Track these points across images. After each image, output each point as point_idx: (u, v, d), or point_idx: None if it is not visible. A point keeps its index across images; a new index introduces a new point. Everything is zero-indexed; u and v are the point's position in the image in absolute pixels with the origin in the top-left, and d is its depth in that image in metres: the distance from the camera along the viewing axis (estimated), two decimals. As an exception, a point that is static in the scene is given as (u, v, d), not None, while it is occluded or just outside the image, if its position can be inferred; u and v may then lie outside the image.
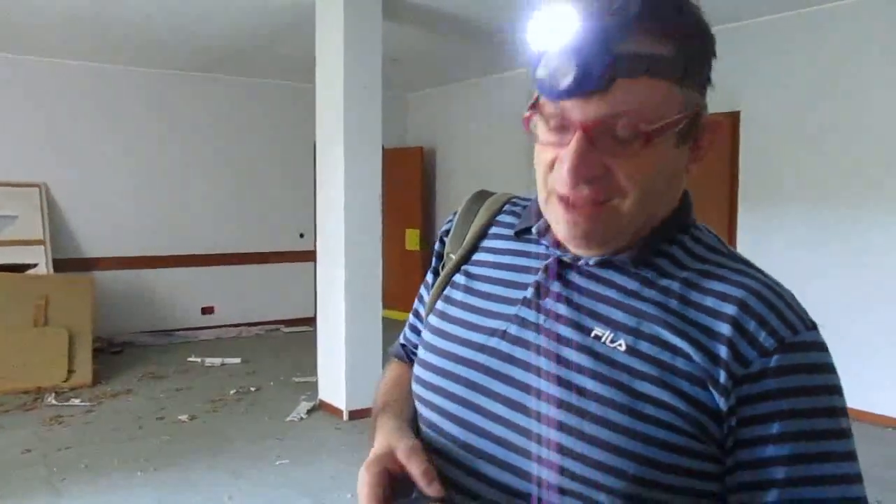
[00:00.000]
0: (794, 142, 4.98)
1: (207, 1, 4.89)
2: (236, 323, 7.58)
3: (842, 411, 0.72)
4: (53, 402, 5.03)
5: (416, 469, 0.74)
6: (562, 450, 0.73)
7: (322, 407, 4.96)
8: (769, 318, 0.72)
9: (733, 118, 5.24)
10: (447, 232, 0.98)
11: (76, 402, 5.04)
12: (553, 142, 0.75)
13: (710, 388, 0.71)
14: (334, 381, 4.86)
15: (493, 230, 0.93)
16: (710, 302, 0.74)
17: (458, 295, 0.90)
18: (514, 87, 6.86)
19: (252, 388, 5.43)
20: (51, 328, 5.51)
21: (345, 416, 4.71)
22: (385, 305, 5.01)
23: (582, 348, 0.76)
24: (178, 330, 7.24)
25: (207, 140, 7.36)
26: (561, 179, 0.74)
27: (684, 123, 0.73)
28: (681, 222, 0.81)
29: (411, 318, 1.04)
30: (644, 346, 0.74)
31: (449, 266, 0.94)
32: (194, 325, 7.33)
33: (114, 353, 6.44)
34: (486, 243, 0.92)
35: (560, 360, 0.76)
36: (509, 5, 4.55)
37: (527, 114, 0.77)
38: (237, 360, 6.23)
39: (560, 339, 0.77)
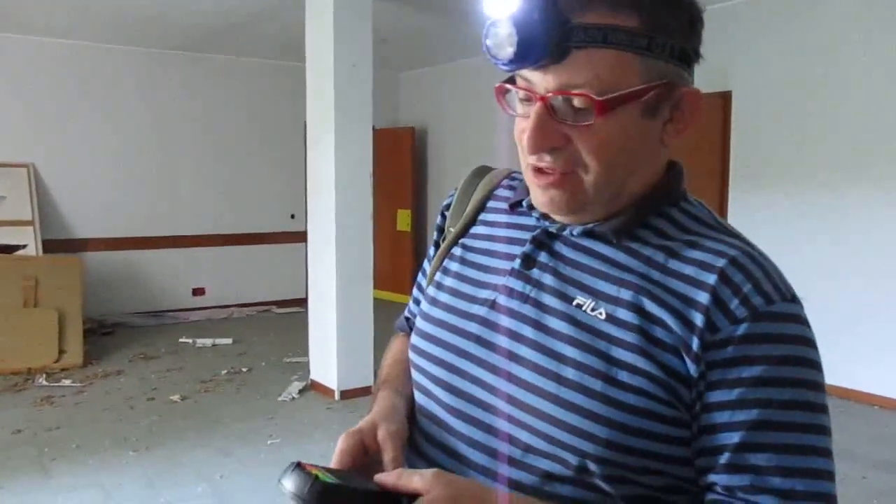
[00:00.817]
0: (785, 121, 4.98)
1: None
2: (227, 304, 7.56)
3: (812, 384, 0.72)
4: (44, 382, 5.02)
5: (387, 454, 0.78)
6: (539, 414, 0.75)
7: (313, 387, 4.97)
8: (744, 287, 0.72)
9: (725, 98, 5.23)
10: (448, 206, 1.01)
11: (67, 382, 5.03)
12: (523, 113, 0.77)
13: (684, 356, 0.72)
14: (326, 362, 4.86)
15: (491, 204, 0.95)
16: (690, 271, 0.75)
17: (454, 266, 0.92)
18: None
19: (243, 369, 5.44)
20: (41, 309, 5.49)
21: (336, 396, 4.73)
22: (376, 286, 5.01)
23: (564, 316, 0.77)
24: (169, 311, 7.22)
25: (197, 120, 7.30)
26: (525, 149, 0.76)
27: (651, 95, 0.73)
28: (669, 195, 0.81)
29: (414, 291, 1.07)
30: (624, 315, 0.75)
31: (448, 239, 0.96)
32: (185, 307, 7.32)
33: (104, 334, 6.43)
34: (484, 216, 0.95)
35: (542, 328, 0.78)
36: (501, -17, 4.52)
37: (498, 84, 0.78)
38: (228, 341, 6.23)
39: (544, 307, 0.79)
